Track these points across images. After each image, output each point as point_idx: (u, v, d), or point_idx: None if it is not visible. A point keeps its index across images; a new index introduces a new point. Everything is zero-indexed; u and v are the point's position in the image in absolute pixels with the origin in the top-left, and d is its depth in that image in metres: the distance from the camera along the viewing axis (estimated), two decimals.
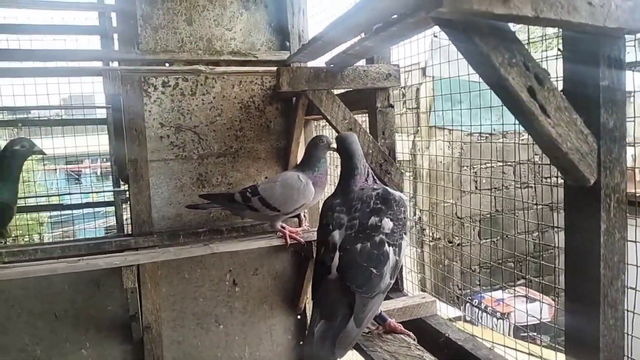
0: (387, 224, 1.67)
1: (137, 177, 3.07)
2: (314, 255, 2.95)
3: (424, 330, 2.10)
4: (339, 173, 1.91)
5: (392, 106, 2.44)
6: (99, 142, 6.20)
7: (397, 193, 1.75)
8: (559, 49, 1.46)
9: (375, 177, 1.85)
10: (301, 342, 3.48)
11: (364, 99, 2.51)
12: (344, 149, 1.86)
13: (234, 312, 3.36)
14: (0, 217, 2.60)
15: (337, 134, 2.14)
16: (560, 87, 1.32)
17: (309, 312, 3.46)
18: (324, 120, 3.71)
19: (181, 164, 3.22)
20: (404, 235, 1.70)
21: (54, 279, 2.95)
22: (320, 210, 1.84)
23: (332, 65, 2.27)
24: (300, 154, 3.37)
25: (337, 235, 1.65)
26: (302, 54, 2.31)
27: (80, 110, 6.60)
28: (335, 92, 2.51)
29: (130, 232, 3.20)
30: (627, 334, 1.40)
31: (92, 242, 2.94)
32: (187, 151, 3.23)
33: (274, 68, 3.05)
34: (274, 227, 2.94)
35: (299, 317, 3.49)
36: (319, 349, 1.48)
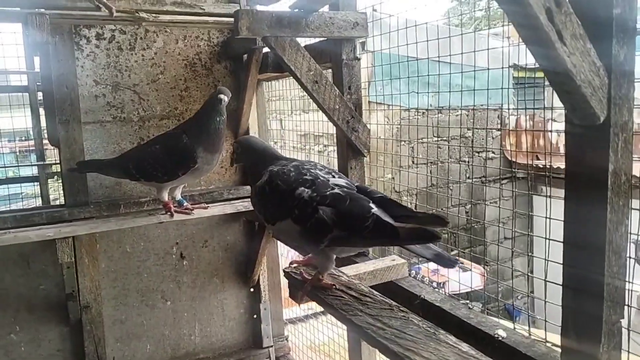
0: None
1: (70, 140, 2.74)
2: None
3: (397, 294, 1.99)
4: None
5: (359, 59, 2.28)
6: (12, 121, 5.63)
7: None
8: None
9: None
10: (255, 316, 3.31)
11: (328, 51, 2.33)
12: (252, 149, 1.82)
13: (182, 287, 3.12)
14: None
15: (236, 140, 2.05)
16: None
17: (262, 284, 3.29)
18: (277, 80, 3.51)
19: (120, 127, 2.91)
20: None
21: None
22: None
23: (296, 10, 2.07)
24: (252, 116, 3.16)
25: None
26: None
27: None
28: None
29: (63, 203, 2.86)
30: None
31: (19, 214, 2.60)
32: (127, 112, 2.92)
33: (224, 19, 2.83)
34: (159, 197, 2.63)
35: (251, 289, 3.31)
36: None
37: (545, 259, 1.77)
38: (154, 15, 2.50)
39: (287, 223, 1.60)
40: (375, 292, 1.70)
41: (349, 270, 1.95)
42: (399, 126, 7.98)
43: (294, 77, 2.16)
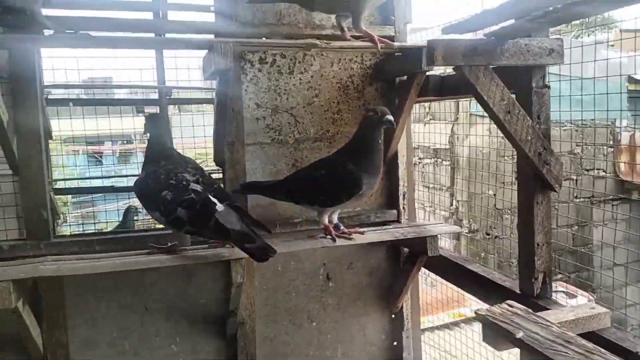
0: None
1: (234, 161, 2.84)
2: (429, 252, 2.71)
3: (603, 346, 1.82)
4: None
5: (549, 87, 2.16)
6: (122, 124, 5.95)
7: None
8: None
9: None
10: (395, 343, 3.25)
11: (513, 79, 2.22)
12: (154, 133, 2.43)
13: (327, 308, 3.13)
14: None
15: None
16: None
17: (405, 312, 3.22)
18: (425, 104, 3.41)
19: (277, 149, 2.97)
20: None
21: (146, 270, 2.72)
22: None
23: (492, 38, 1.99)
24: (403, 140, 3.11)
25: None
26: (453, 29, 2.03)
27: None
28: None
29: None
30: None
31: None
32: (283, 135, 2.98)
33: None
34: (320, 221, 2.60)
35: (393, 316, 3.25)
36: None
37: None
38: (325, 42, 2.52)
39: (157, 214, 2.28)
40: (603, 349, 1.56)
41: (549, 318, 1.83)
42: (501, 140, 7.64)
43: (484, 107, 2.08)
